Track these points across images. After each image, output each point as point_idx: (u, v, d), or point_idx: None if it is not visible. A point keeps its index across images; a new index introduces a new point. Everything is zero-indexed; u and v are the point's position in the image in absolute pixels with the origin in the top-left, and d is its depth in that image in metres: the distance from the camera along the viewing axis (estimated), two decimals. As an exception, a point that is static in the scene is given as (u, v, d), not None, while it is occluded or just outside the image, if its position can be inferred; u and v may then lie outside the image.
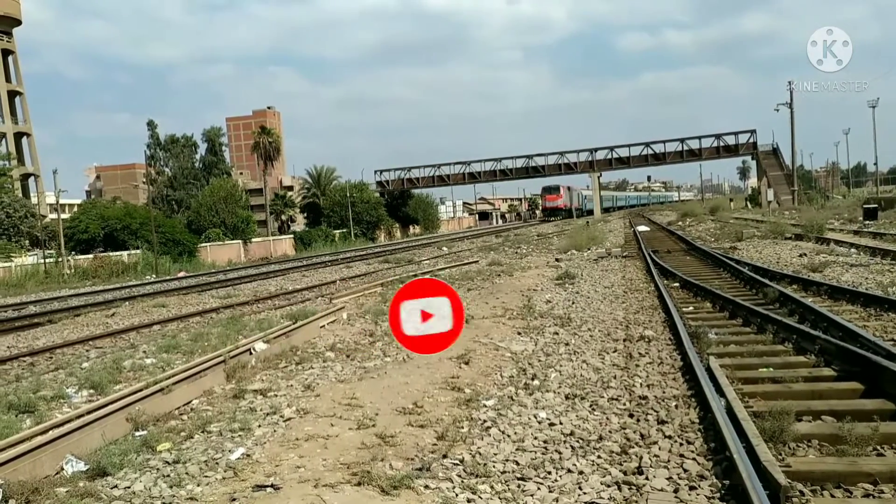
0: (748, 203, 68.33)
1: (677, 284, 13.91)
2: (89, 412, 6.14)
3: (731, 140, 68.23)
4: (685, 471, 4.67)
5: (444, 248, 32.57)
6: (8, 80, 67.01)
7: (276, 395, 6.97)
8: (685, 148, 69.73)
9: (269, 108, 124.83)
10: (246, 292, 17.89)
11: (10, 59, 67.28)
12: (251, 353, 8.74)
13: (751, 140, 66.74)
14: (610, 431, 5.57)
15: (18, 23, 67.63)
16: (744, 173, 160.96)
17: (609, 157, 72.97)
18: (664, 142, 70.59)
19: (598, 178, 76.03)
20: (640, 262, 19.50)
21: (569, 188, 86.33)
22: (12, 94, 67.47)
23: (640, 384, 6.87)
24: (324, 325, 11.07)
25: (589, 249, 24.37)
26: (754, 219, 39.71)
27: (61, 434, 5.46)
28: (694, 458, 4.86)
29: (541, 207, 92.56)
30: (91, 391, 7.67)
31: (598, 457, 5.05)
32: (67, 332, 12.82)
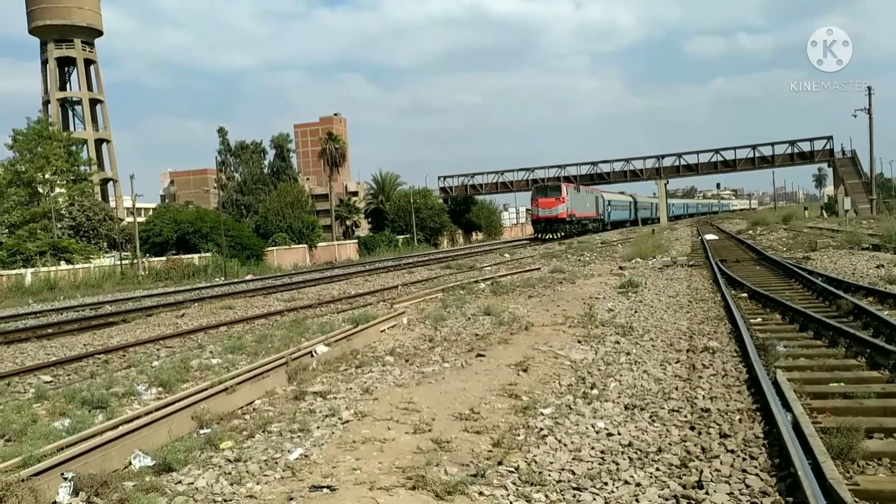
0: (823, 212, 65.88)
1: (745, 295, 13.51)
2: (157, 409, 6.36)
3: (805, 147, 65.93)
4: (747, 486, 4.54)
5: (507, 255, 32.45)
6: (90, 88, 70.10)
7: (335, 398, 7.06)
8: (757, 155, 67.70)
9: (335, 114, 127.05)
10: (310, 296, 18.22)
11: (91, 68, 70.36)
12: (312, 356, 8.89)
13: (827, 147, 64.36)
14: (670, 444, 5.45)
15: (100, 33, 70.69)
16: (819, 181, 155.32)
17: (677, 163, 71.49)
18: (735, 148, 68.70)
19: (665, 185, 74.47)
20: (706, 272, 19.03)
21: (578, 188, 58.00)
22: (94, 103, 70.54)
23: (703, 396, 6.71)
24: (384, 330, 11.18)
25: (654, 258, 23.91)
26: (829, 228, 38.27)
27: (130, 430, 5.66)
28: (757, 474, 4.71)
29: (531, 217, 59.95)
30: (160, 389, 7.93)
31: (657, 469, 4.95)
32: (140, 331, 13.29)
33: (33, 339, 12.77)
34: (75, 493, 4.69)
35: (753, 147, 67.73)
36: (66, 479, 4.72)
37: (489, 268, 25.18)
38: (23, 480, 4.43)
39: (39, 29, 66.86)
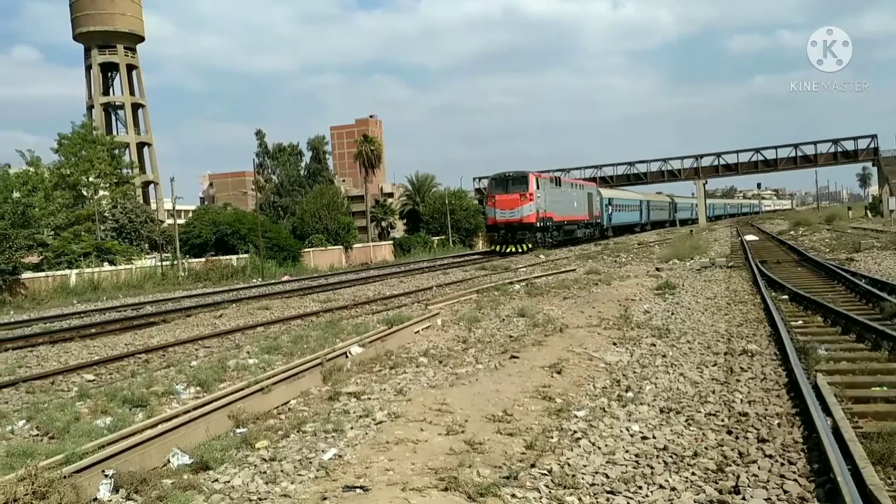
0: (868, 212, 64.32)
1: (786, 297, 13.26)
2: (195, 408, 6.46)
3: (849, 145, 64.52)
4: (785, 492, 4.46)
5: (542, 256, 32.30)
6: (132, 93, 71.50)
7: (369, 399, 7.11)
8: (799, 154, 66.39)
9: (371, 116, 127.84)
10: (345, 297, 18.35)
11: (133, 73, 71.78)
12: (347, 357, 8.95)
13: (871, 145, 62.89)
14: (706, 448, 5.37)
15: (142, 39, 72.06)
16: (864, 180, 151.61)
17: (715, 163, 70.42)
18: (776, 147, 67.47)
19: (704, 185, 73.39)
20: (746, 273, 18.72)
21: (556, 180, 42.38)
22: (135, 107, 71.92)
23: (741, 400, 6.60)
24: (418, 331, 11.21)
25: (692, 259, 23.59)
26: (874, 229, 37.36)
27: (169, 428, 5.76)
28: (795, 480, 4.62)
29: (486, 222, 43.77)
30: (198, 388, 8.06)
31: (693, 473, 4.88)
32: (179, 331, 13.53)
33: (77, 339, 13.07)
34: (115, 489, 4.79)
35: (795, 146, 66.44)
36: (106, 476, 4.83)
37: (524, 269, 25.09)
38: (65, 477, 4.53)
39: (83, 35, 68.42)
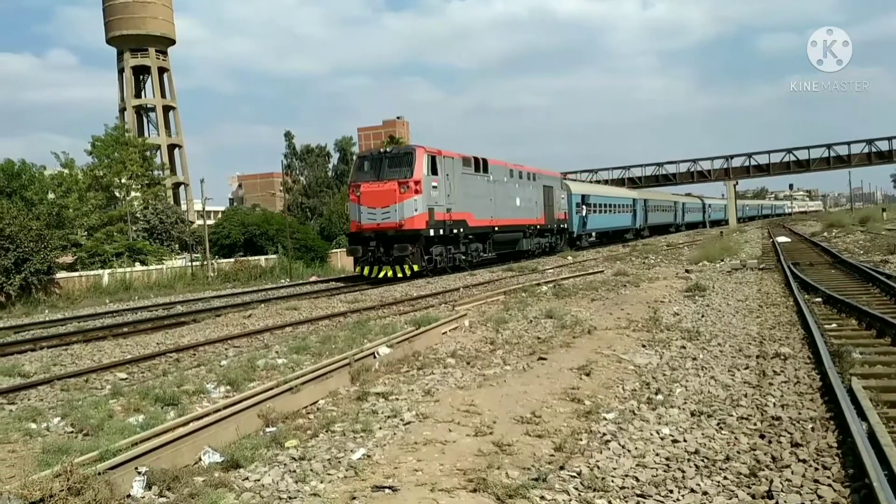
0: (903, 213, 63.04)
1: (819, 299, 13.04)
2: (225, 407, 6.51)
3: (884, 146, 63.32)
4: (819, 497, 4.38)
5: (569, 258, 32.13)
6: (163, 95, 72.54)
7: (397, 399, 7.12)
8: (832, 154, 65.29)
9: (398, 118, 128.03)
10: (372, 297, 18.41)
11: (164, 76, 72.82)
12: (375, 357, 8.98)
13: (907, 145, 61.58)
14: (738, 452, 5.31)
15: (173, 42, 73.07)
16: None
17: (746, 164, 69.50)
18: (808, 148, 66.42)
19: (735, 186, 72.51)
20: (778, 275, 18.46)
21: (477, 163, 27.37)
22: (167, 109, 72.95)
23: (774, 404, 6.51)
24: (446, 332, 11.21)
25: (722, 261, 23.33)
26: (910, 230, 36.59)
27: (200, 427, 5.82)
28: (829, 485, 4.54)
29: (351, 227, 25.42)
30: (228, 387, 8.13)
31: (725, 478, 4.82)
32: (209, 331, 13.67)
33: (110, 338, 13.27)
34: (148, 486, 4.86)
35: (828, 146, 65.35)
36: (139, 473, 4.89)
37: (551, 270, 24.98)
38: (99, 474, 4.60)
39: (116, 39, 69.58)
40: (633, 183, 71.95)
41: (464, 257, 26.18)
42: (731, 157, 69.97)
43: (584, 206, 41.25)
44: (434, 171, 23.75)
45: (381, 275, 22.85)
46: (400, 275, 22.58)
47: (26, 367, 10.30)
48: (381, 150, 25.45)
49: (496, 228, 28.63)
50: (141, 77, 72.21)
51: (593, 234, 46.08)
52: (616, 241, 48.12)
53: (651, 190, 67.71)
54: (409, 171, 22.98)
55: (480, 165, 27.59)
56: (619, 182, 71.21)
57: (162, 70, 72.19)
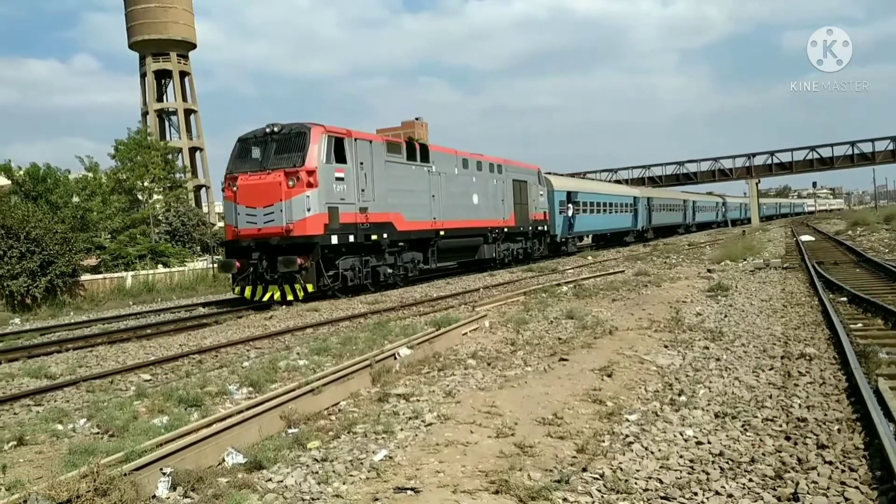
0: (930, 211, 62.02)
1: (844, 299, 12.87)
2: (248, 409, 6.55)
3: (909, 142, 62.28)
4: (846, 500, 4.32)
5: (589, 258, 31.99)
6: (185, 99, 73.21)
7: (418, 400, 7.13)
8: (856, 152, 64.38)
9: (416, 118, 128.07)
10: (392, 298, 18.43)
11: (186, 80, 73.49)
12: (395, 358, 9.00)
13: (933, 142, 60.61)
14: (763, 454, 5.25)
15: (194, 46, 73.74)
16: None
17: (769, 162, 68.76)
18: (832, 145, 65.55)
19: (757, 184, 71.76)
20: (802, 275, 18.24)
21: (409, 144, 21.60)
22: (188, 113, 73.62)
23: (799, 405, 6.43)
24: (466, 333, 11.20)
25: (745, 260, 23.09)
26: (937, 228, 36.02)
27: (223, 428, 5.86)
28: (857, 487, 4.48)
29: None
30: (250, 389, 8.18)
31: (750, 480, 4.77)
32: (231, 332, 13.76)
33: (133, 339, 13.41)
34: (173, 487, 4.90)
35: (852, 144, 64.43)
36: (164, 473, 4.93)
37: (571, 270, 24.89)
38: (125, 475, 4.65)
39: (138, 44, 70.33)
40: (654, 182, 71.45)
41: (391, 271, 20.43)
42: (753, 155, 69.27)
43: (570, 205, 35.85)
44: (340, 157, 17.89)
45: (267, 297, 17.45)
46: (290, 297, 17.23)
47: (52, 368, 10.43)
48: (268, 128, 17.76)
49: (441, 233, 22.82)
50: (163, 81, 72.94)
51: (586, 236, 42.63)
52: (615, 244, 43.98)
53: (660, 188, 65.03)
54: (300, 157, 17.03)
55: (417, 152, 21.92)
56: (640, 181, 70.62)
57: (183, 74, 72.85)
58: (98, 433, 6.74)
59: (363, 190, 18.78)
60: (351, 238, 18.25)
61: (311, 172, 16.96)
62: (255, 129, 18.31)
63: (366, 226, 18.80)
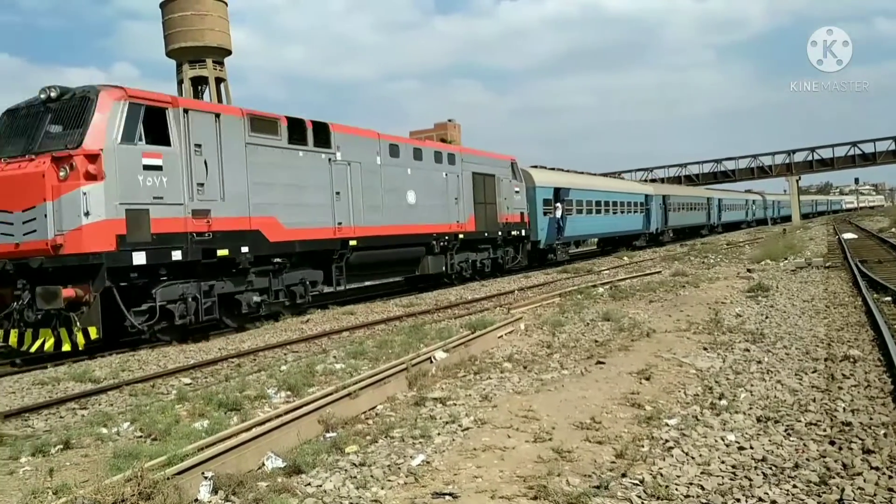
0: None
1: (889, 298, 12.56)
2: (286, 413, 6.63)
3: (957, 136, 60.55)
4: (895, 508, 4.21)
5: (625, 258, 31.68)
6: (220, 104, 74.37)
7: (454, 404, 7.13)
8: (899, 146, 62.79)
9: (449, 120, 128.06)
10: (427, 301, 18.47)
11: (221, 86, 74.56)
12: (432, 362, 9.01)
13: (981, 135, 58.81)
14: (807, 459, 5.14)
15: (229, 53, 74.81)
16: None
17: (809, 158, 67.40)
18: (874, 140, 64.02)
19: (797, 181, 70.37)
20: (845, 274, 17.85)
21: (281, 122, 15.15)
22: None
23: (844, 409, 6.29)
24: (501, 336, 11.18)
25: (785, 259, 22.66)
26: None
27: (263, 432, 5.93)
28: (906, 495, 4.36)
29: None
30: (288, 392, 8.26)
31: (794, 486, 4.67)
32: (268, 336, 13.91)
33: (174, 343, 13.62)
34: (214, 491, 4.96)
35: (895, 139, 62.85)
36: (206, 477, 5.01)
37: (607, 271, 24.69)
38: (168, 478, 4.73)
39: (175, 51, 71.56)
40: (691, 181, 70.49)
41: (261, 298, 15.14)
42: (793, 151, 67.99)
43: (559, 205, 30.32)
44: (156, 136, 12.55)
45: (35, 348, 11.68)
46: (67, 347, 11.59)
47: (96, 372, 10.65)
48: (43, 93, 12.18)
49: (353, 243, 17.04)
50: (199, 87, 74.06)
51: (584, 241, 37.57)
52: (622, 246, 39.37)
53: (675, 185, 60.92)
54: (77, 134, 11.59)
55: (308, 134, 16.04)
56: (676, 180, 69.66)
57: (219, 80, 73.92)
58: (141, 437, 6.87)
59: (201, 185, 13.11)
60: (176, 255, 12.64)
61: (92, 157, 11.34)
62: (32, 99, 12.56)
63: (206, 236, 13.19)
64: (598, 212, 35.63)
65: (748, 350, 9.12)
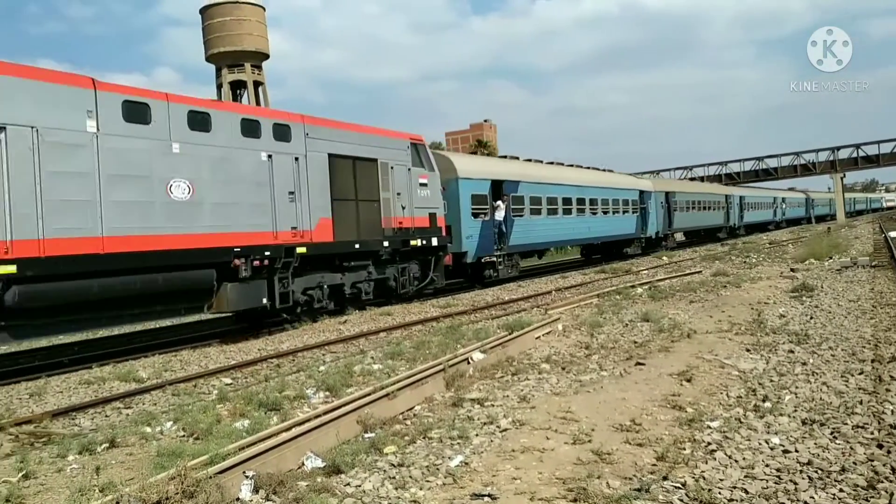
0: None
1: (940, 298, 12.20)
2: (325, 413, 6.68)
3: None
4: (950, 515, 4.08)
5: (664, 258, 31.27)
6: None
7: (492, 405, 7.11)
8: (949, 142, 60.98)
9: (485, 121, 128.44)
10: (464, 301, 18.46)
11: (259, 89, 75.55)
12: (469, 363, 9.00)
13: None
14: (854, 463, 5.01)
15: (267, 57, 75.78)
16: None
17: (854, 155, 65.80)
18: (922, 135, 62.23)
19: (842, 179, 68.76)
20: (892, 273, 17.39)
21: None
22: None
23: (892, 411, 6.13)
24: (539, 336, 11.12)
25: (830, 258, 22.15)
26: None
27: (302, 432, 5.98)
28: (961, 502, 4.22)
29: None
30: (326, 393, 8.33)
31: (840, 490, 4.56)
32: (307, 336, 14.04)
33: (215, 344, 13.83)
34: (255, 490, 5.02)
35: (945, 133, 61.06)
36: (247, 477, 5.07)
37: (646, 271, 24.40)
38: (210, 477, 4.80)
39: (214, 56, 72.75)
40: (731, 179, 69.30)
41: None
42: (838, 148, 66.44)
43: (501, 203, 23.18)
44: None
45: None
46: None
47: (140, 372, 10.86)
48: None
49: (11, 270, 10.14)
50: (238, 91, 75.11)
51: (550, 249, 29.66)
52: (615, 258, 31.69)
53: (678, 181, 55.44)
54: None
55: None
56: (716, 179, 68.46)
57: (257, 84, 74.91)
58: (184, 436, 6.98)
59: None
60: None
61: None
62: None
63: None
64: (568, 212, 28.10)
65: (792, 351, 8.93)
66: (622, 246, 33.92)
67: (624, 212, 33.52)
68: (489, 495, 4.72)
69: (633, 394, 7.22)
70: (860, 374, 7.59)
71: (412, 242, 18.24)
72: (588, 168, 33.85)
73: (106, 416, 8.48)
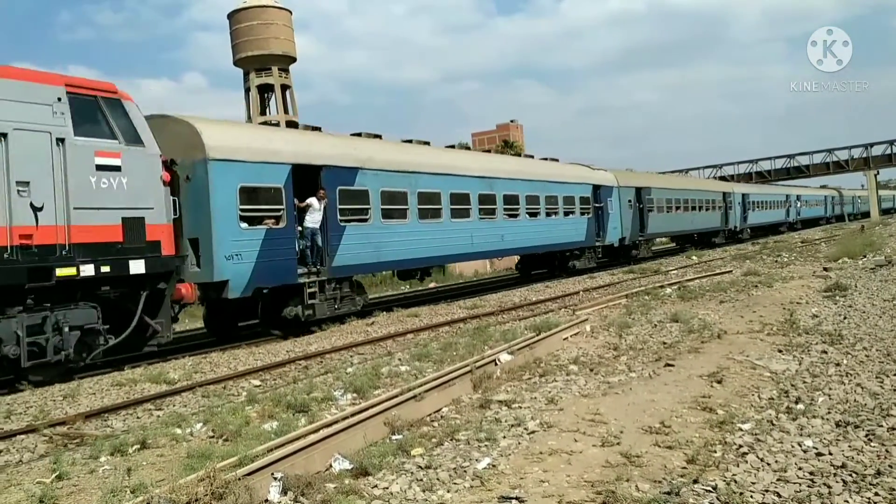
0: None
1: (979, 297, 11.90)
2: (353, 415, 6.70)
3: None
4: None
5: (694, 258, 30.93)
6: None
7: (520, 407, 7.08)
8: None
9: (511, 121, 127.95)
10: (491, 303, 18.42)
11: (287, 92, 76.20)
12: (496, 364, 8.97)
13: None
14: (890, 466, 4.90)
15: (294, 60, 76.40)
16: None
17: (888, 151, 64.52)
18: (959, 131, 60.79)
19: (875, 176, 67.45)
20: (929, 271, 16.99)
21: None
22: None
23: (930, 414, 5.98)
24: (566, 338, 11.05)
25: (864, 257, 21.72)
26: None
27: (330, 434, 6.00)
28: None
29: None
30: (354, 395, 8.35)
31: (876, 494, 4.46)
32: (335, 338, 14.11)
33: (244, 346, 13.96)
34: (284, 492, 5.05)
35: (982, 128, 59.60)
36: (275, 478, 5.10)
37: (675, 271, 24.16)
38: (239, 479, 4.84)
39: (242, 61, 73.53)
40: (762, 177, 68.31)
41: None
42: (871, 144, 65.22)
43: (322, 202, 15.37)
44: None
45: None
46: None
47: (171, 374, 10.99)
48: None
49: None
50: (265, 95, 75.89)
51: (413, 268, 19.84)
52: (566, 272, 26.28)
53: (665, 176, 44.91)
54: None
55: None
56: (747, 178, 67.43)
57: (284, 87, 75.56)
58: (213, 437, 7.05)
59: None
60: None
61: None
62: None
63: None
64: (464, 214, 20.38)
65: (826, 352, 8.77)
66: (567, 259, 26.73)
67: (567, 213, 25.86)
68: (517, 498, 4.70)
69: (662, 395, 7.14)
70: (895, 375, 7.44)
71: (63, 272, 10.35)
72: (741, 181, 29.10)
73: (137, 417, 8.60)
